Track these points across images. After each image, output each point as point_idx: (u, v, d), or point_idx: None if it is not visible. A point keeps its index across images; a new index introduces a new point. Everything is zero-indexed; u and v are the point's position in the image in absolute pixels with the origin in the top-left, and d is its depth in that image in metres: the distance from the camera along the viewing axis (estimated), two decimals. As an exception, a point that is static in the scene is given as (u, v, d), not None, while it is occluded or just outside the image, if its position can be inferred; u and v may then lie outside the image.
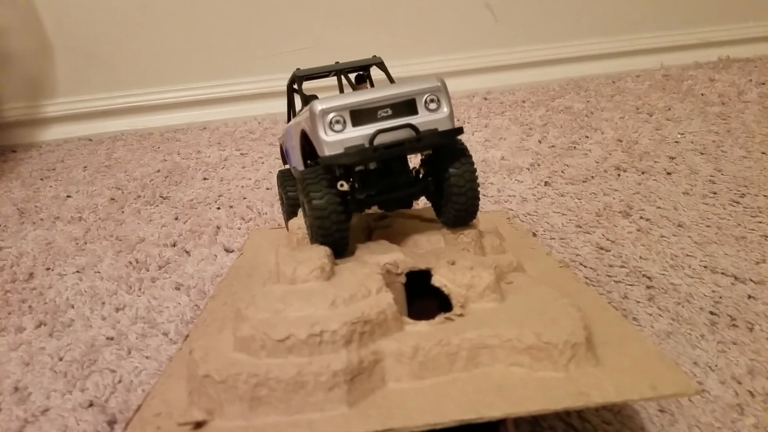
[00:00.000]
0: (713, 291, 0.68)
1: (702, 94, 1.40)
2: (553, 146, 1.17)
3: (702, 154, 1.08)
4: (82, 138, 1.51)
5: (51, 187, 1.17)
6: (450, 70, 1.53)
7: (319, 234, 0.56)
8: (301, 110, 0.67)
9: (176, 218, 0.96)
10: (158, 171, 1.19)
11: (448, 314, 0.49)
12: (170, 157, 1.27)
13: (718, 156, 1.06)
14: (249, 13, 1.55)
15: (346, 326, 0.44)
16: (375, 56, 0.71)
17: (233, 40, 1.57)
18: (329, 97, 0.60)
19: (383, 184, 0.59)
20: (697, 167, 1.02)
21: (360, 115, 0.55)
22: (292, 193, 0.74)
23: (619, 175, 1.01)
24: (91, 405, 0.58)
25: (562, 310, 0.48)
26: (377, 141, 0.53)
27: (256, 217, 0.94)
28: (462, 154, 0.59)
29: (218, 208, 0.99)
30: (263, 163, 1.19)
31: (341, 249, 0.58)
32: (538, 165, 1.08)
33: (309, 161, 0.65)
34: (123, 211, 1.01)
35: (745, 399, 0.53)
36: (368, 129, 0.54)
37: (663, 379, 0.41)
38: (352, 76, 0.74)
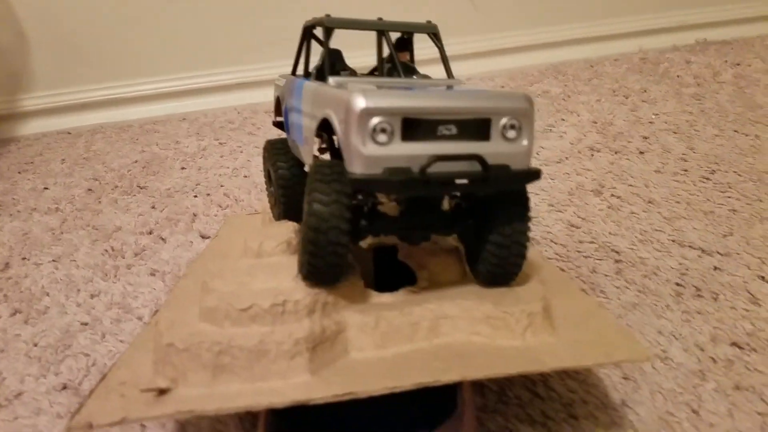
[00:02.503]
0: (680, 264, 0.69)
1: (678, 76, 1.42)
2: (529, 129, 1.17)
3: (675, 133, 1.09)
4: (61, 131, 1.50)
5: (29, 180, 1.16)
6: (428, 57, 1.52)
7: (308, 251, 0.42)
8: (317, 70, 0.54)
9: (153, 207, 0.96)
10: (136, 162, 1.19)
11: (412, 287, 0.50)
12: (149, 148, 1.27)
13: (690, 135, 1.07)
14: (229, 3, 1.54)
15: (309, 297, 0.44)
16: (429, 21, 0.57)
17: (213, 31, 1.56)
18: (370, 85, 0.47)
19: (407, 221, 0.47)
20: (669, 146, 1.03)
21: (415, 127, 0.41)
22: (284, 170, 0.59)
23: (592, 155, 1.02)
24: (64, 388, 0.58)
25: (523, 283, 0.49)
26: (431, 169, 0.40)
27: (233, 204, 0.95)
28: (521, 205, 0.46)
29: (195, 196, 0.99)
30: (242, 152, 1.19)
31: (330, 277, 0.44)
32: (514, 147, 1.09)
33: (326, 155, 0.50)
34: (100, 202, 1.01)
35: (707, 365, 0.54)
36: (423, 149, 0.41)
37: (617, 346, 0.42)
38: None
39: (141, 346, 0.49)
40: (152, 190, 1.03)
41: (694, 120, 1.14)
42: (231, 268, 0.49)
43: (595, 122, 1.18)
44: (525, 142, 0.43)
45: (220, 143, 1.25)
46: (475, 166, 0.41)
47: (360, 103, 0.39)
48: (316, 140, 0.49)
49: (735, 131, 1.07)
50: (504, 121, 0.43)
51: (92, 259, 0.82)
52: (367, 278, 0.56)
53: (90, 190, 1.06)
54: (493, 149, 0.42)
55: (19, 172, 1.22)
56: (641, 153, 1.01)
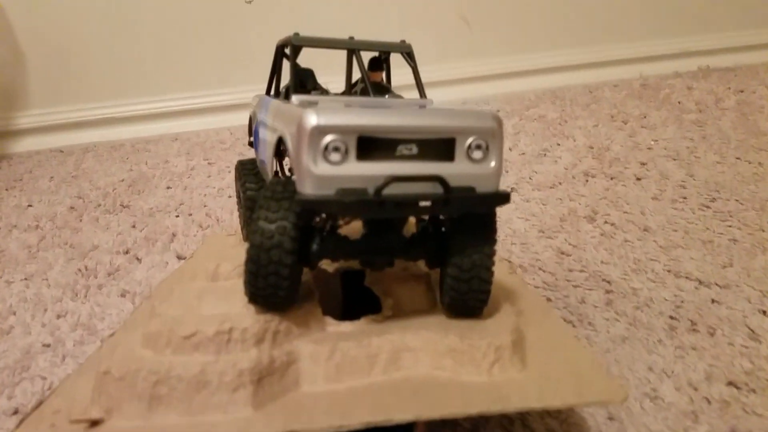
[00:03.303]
0: (675, 295, 0.65)
1: (679, 102, 1.39)
2: (523, 153, 1.15)
3: (674, 159, 1.06)
4: (54, 149, 1.49)
5: (15, 197, 1.14)
6: (424, 81, 1.51)
7: (249, 269, 0.39)
8: (286, 89, 0.52)
9: (133, 226, 0.94)
10: (122, 180, 1.17)
11: (375, 315, 0.46)
12: (137, 167, 1.25)
13: (690, 161, 1.04)
14: (222, 24, 1.54)
15: (258, 324, 0.41)
16: (403, 41, 0.54)
17: (207, 51, 1.56)
18: (328, 101, 0.45)
19: (365, 245, 0.43)
20: (668, 173, 1.00)
21: (371, 146, 0.38)
22: (252, 191, 0.57)
23: (587, 180, 0.99)
24: (15, 412, 0.55)
25: (495, 313, 0.46)
26: (387, 190, 0.37)
27: (214, 224, 0.92)
28: (485, 231, 0.42)
29: (177, 216, 0.96)
30: (229, 172, 1.17)
31: (275, 301, 0.41)
32: (506, 172, 1.06)
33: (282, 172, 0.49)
34: (81, 220, 0.99)
35: (701, 406, 0.50)
36: (379, 169, 0.38)
37: (591, 385, 0.39)
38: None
39: (86, 371, 0.46)
40: (135, 209, 1.01)
41: (695, 146, 1.11)
42: (181, 291, 0.46)
43: (592, 147, 1.15)
44: (493, 164, 0.41)
45: (209, 163, 1.23)
46: (437, 188, 0.38)
47: (311, 120, 0.37)
48: (275, 159, 0.46)
49: (737, 158, 1.03)
50: (470, 140, 0.40)
51: (64, 278, 0.79)
52: (334, 303, 0.53)
53: (72, 208, 1.04)
54: (457, 170, 0.40)
55: (6, 189, 1.20)
56: (638, 179, 0.98)
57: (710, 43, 1.75)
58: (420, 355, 0.41)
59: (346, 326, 0.45)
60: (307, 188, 0.37)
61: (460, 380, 0.40)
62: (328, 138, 0.37)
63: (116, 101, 1.54)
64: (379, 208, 0.37)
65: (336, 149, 0.37)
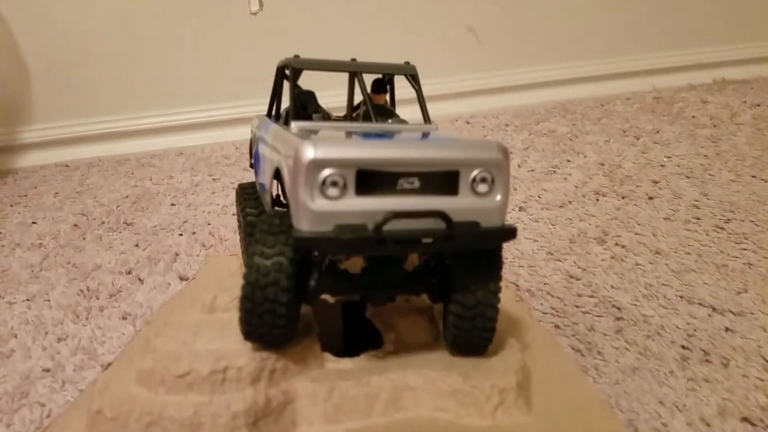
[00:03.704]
0: (687, 323, 0.63)
1: (693, 117, 1.37)
2: (532, 170, 1.13)
3: (688, 177, 1.03)
4: (59, 164, 1.49)
5: (19, 213, 1.14)
6: (433, 94, 1.49)
7: (244, 307, 0.38)
8: (287, 113, 0.51)
9: (136, 245, 0.93)
10: (126, 197, 1.16)
11: (376, 351, 0.45)
12: (141, 183, 1.25)
13: (705, 180, 1.02)
14: (227, 38, 1.54)
15: (254, 362, 0.40)
16: (407, 63, 0.53)
17: (213, 65, 1.56)
18: (326, 131, 0.44)
19: (366, 280, 0.42)
20: (681, 191, 0.98)
21: (372, 180, 0.36)
22: (252, 217, 0.55)
23: (597, 200, 0.97)
24: (13, 441, 0.54)
25: (501, 348, 0.44)
26: (388, 226, 0.35)
27: (217, 244, 0.91)
28: (491, 268, 0.41)
29: (180, 235, 0.95)
30: (234, 188, 1.16)
31: (272, 338, 0.40)
32: (515, 190, 1.04)
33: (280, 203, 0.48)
34: (84, 238, 0.98)
35: (713, 443, 0.48)
36: (379, 204, 0.36)
37: (597, 428, 0.37)
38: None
39: (81, 404, 0.45)
40: (138, 227, 1.00)
41: (709, 164, 1.08)
42: (177, 324, 0.45)
43: (603, 164, 1.13)
44: (498, 197, 0.39)
45: (214, 179, 1.23)
46: (439, 224, 0.36)
47: (308, 153, 0.35)
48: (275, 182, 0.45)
49: (753, 176, 1.01)
50: (474, 173, 0.38)
51: (66, 299, 0.79)
52: (334, 335, 0.51)
53: (76, 225, 1.04)
54: (460, 205, 0.38)
55: (11, 205, 1.20)
56: (650, 198, 0.96)
57: (725, 55, 1.72)
58: (421, 395, 0.40)
59: (346, 363, 0.43)
60: (303, 224, 0.35)
61: (462, 423, 0.38)
62: (326, 172, 0.35)
63: (121, 115, 1.54)
64: (378, 246, 0.36)
65: (334, 184, 0.35)
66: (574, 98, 1.64)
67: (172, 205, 1.10)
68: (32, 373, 0.64)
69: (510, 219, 0.92)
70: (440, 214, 0.36)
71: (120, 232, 0.99)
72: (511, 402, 0.38)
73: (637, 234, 0.84)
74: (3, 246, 0.98)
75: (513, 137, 1.34)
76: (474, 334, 0.41)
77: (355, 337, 0.50)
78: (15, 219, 1.11)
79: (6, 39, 1.45)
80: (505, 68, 1.65)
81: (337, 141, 0.38)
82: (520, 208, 0.96)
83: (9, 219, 1.11)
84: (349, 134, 0.44)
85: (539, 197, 1.00)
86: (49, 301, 0.79)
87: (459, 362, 0.42)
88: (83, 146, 1.53)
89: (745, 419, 0.50)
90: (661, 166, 1.10)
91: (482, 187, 0.38)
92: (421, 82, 0.53)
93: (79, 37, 1.49)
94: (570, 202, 0.97)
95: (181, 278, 0.81)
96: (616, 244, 0.81)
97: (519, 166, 1.16)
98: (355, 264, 0.44)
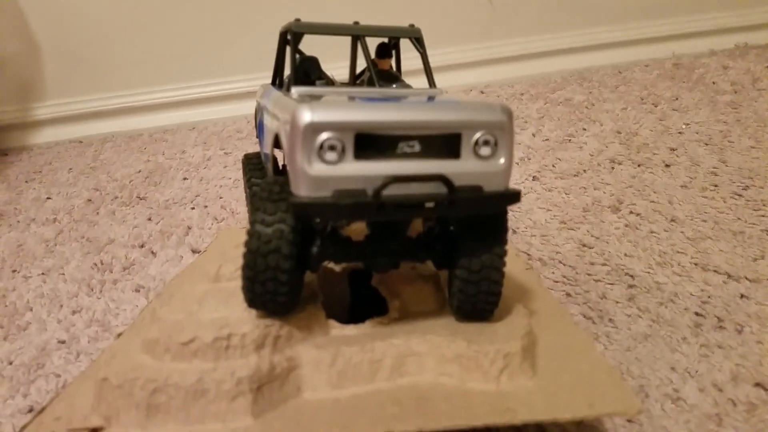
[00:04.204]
0: (702, 290, 0.62)
1: (713, 83, 1.33)
2: (547, 139, 1.11)
3: (707, 144, 1.01)
4: (73, 140, 1.50)
5: (34, 189, 1.16)
6: (447, 64, 1.48)
7: (246, 275, 0.38)
8: (289, 80, 0.50)
9: (149, 219, 0.94)
10: (139, 171, 1.17)
11: (381, 318, 0.45)
12: (154, 158, 1.25)
13: (723, 147, 0.99)
14: (239, 10, 1.52)
15: (258, 330, 0.40)
16: (412, 25, 0.51)
17: (225, 39, 1.54)
18: (325, 95, 0.43)
19: (368, 247, 0.41)
20: (699, 159, 0.95)
21: (370, 144, 0.35)
22: (258, 186, 0.56)
23: (613, 168, 0.95)
24: (30, 410, 0.55)
25: (507, 315, 0.44)
26: (388, 191, 0.35)
27: (229, 217, 0.91)
28: (495, 233, 0.40)
29: (192, 208, 0.96)
30: (246, 161, 1.16)
31: (275, 306, 0.40)
32: (529, 159, 1.02)
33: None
34: (98, 213, 0.99)
35: (725, 408, 0.47)
36: (378, 168, 0.35)
37: (604, 395, 0.37)
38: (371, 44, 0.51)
39: (91, 375, 0.46)
40: (151, 201, 1.01)
41: (729, 130, 1.05)
42: (183, 295, 0.45)
43: (619, 132, 1.10)
44: (502, 160, 0.38)
45: (226, 153, 1.23)
46: (441, 188, 0.36)
47: (305, 116, 0.35)
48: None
49: (773, 142, 0.98)
50: (477, 136, 0.37)
51: (80, 273, 0.79)
52: (341, 303, 0.51)
53: (90, 200, 1.05)
54: (463, 168, 0.37)
55: (26, 181, 1.21)
56: (667, 166, 0.94)
57: (748, 19, 1.66)
58: (425, 360, 0.40)
59: (350, 330, 0.43)
60: (302, 190, 0.35)
61: (467, 388, 0.38)
62: (324, 136, 0.34)
63: (134, 90, 1.54)
64: (378, 211, 0.35)
65: (332, 148, 0.35)
66: (592, 66, 1.60)
67: (185, 179, 1.10)
68: (48, 345, 0.65)
69: (523, 189, 0.91)
70: (441, 178, 0.36)
71: (133, 207, 1.00)
72: (516, 366, 0.38)
73: (652, 202, 0.82)
74: (18, 221, 0.99)
75: (528, 106, 1.32)
76: (479, 298, 0.40)
77: (362, 305, 0.50)
78: (30, 195, 1.12)
79: (18, 16, 1.45)
80: (520, 36, 1.61)
81: (335, 104, 0.37)
82: (534, 178, 0.95)
83: (24, 195, 1.13)
84: (351, 98, 0.43)
85: (553, 166, 0.98)
86: (63, 274, 0.80)
87: (464, 328, 0.42)
88: (96, 122, 1.53)
89: (758, 384, 0.49)
90: (679, 133, 1.07)
91: (485, 150, 0.37)
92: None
93: (91, 12, 1.48)
94: (585, 170, 0.95)
95: (194, 251, 0.82)
96: (631, 213, 0.80)
97: (534, 135, 1.14)
98: (359, 231, 0.44)
